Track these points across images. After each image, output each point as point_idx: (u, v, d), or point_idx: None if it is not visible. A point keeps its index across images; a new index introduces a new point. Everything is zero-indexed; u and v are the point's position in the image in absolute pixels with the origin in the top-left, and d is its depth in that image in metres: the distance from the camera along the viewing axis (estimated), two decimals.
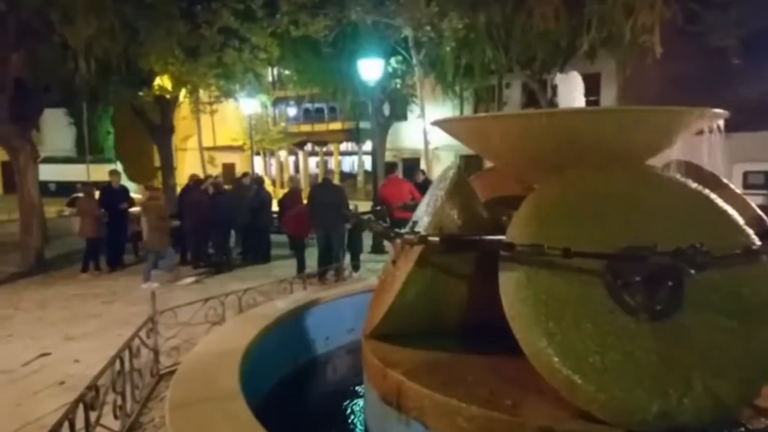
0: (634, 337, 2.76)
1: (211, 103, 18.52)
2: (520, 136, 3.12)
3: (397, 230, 3.38)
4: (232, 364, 3.75)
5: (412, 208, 4.86)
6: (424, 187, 10.75)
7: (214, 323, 5.71)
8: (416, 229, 3.56)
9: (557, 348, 2.70)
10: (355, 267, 10.33)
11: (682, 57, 15.43)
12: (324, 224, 9.64)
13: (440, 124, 3.72)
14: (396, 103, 20.28)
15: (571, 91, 3.77)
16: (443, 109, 21.50)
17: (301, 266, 10.26)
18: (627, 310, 2.80)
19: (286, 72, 20.22)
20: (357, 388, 4.80)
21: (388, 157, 25.76)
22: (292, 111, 38.55)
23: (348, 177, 38.80)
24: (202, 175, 15.14)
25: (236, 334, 4.49)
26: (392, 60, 14.20)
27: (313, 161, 41.33)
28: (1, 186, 38.14)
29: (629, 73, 15.79)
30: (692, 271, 2.74)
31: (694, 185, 3.23)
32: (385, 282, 4.01)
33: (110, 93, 16.78)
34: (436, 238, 3.04)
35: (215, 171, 29.74)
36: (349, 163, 42.65)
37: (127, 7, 11.32)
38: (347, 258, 10.26)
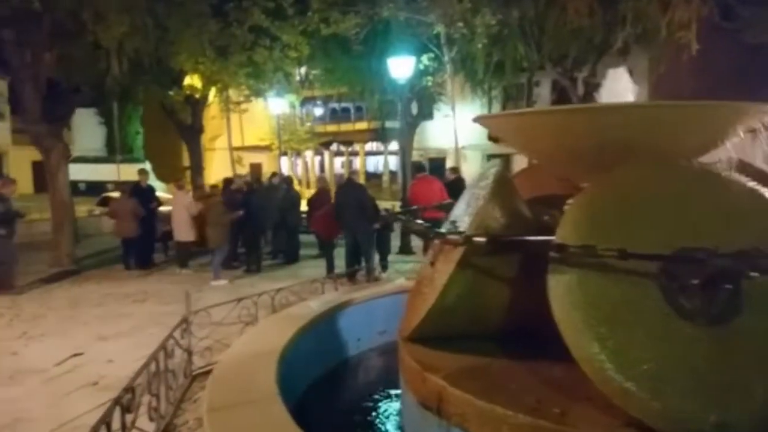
0: (691, 343, 2.62)
1: (239, 103, 18.60)
2: (569, 132, 3.00)
3: (439, 230, 3.27)
4: (269, 366, 3.69)
5: (448, 207, 4.75)
6: (455, 185, 10.59)
7: (247, 323, 5.67)
8: (455, 230, 3.47)
9: (610, 354, 2.58)
10: (384, 267, 10.29)
11: (716, 54, 15.04)
12: (349, 224, 9.61)
13: (482, 120, 3.61)
14: (423, 101, 20.15)
15: (617, 87, 3.63)
16: (472, 107, 21.31)
17: (330, 266, 10.22)
18: (683, 314, 2.67)
19: (315, 71, 20.19)
20: (392, 391, 4.71)
21: (414, 156, 25.68)
22: (318, 111, 38.68)
23: (373, 177, 38.79)
24: (231, 175, 15.19)
25: (271, 335, 4.43)
26: (423, 57, 14.03)
27: (338, 161, 41.46)
28: (32, 185, 38.77)
29: (662, 71, 15.44)
30: (755, 274, 2.60)
31: (750, 183, 3.07)
32: (421, 284, 3.91)
33: (140, 92, 16.96)
34: (483, 239, 2.93)
35: (243, 171, 29.90)
36: (373, 163, 42.58)
37: (158, 5, 11.38)
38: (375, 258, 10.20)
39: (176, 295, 9.00)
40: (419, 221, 3.85)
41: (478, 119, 3.72)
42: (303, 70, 21.38)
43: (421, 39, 13.76)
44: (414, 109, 20.11)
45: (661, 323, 2.65)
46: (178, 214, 11.00)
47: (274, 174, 14.29)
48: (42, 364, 5.89)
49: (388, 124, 33.38)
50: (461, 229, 3.41)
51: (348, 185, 10.17)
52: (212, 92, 16.46)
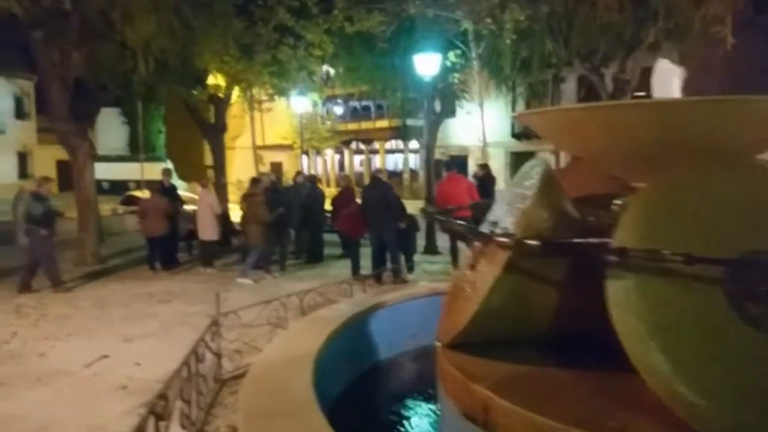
0: (762, 354, 2.45)
1: (260, 102, 18.54)
2: (626, 129, 2.81)
3: (485, 232, 3.11)
4: (304, 372, 3.56)
5: (485, 207, 4.58)
6: (484, 182, 10.41)
7: (276, 326, 5.57)
8: (496, 230, 3.31)
9: (675, 365, 2.40)
10: (410, 268, 10.13)
11: (749, 49, 14.62)
12: (375, 223, 9.47)
13: (525, 117, 3.44)
14: (446, 99, 19.93)
15: (666, 79, 3.44)
16: (496, 104, 21.09)
17: (355, 267, 10.05)
18: (752, 322, 2.49)
19: (336, 70, 19.99)
20: (427, 397, 4.57)
21: (436, 154, 25.48)
22: (339, 109, 38.70)
23: (393, 175, 38.71)
24: (255, 174, 15.14)
25: (302, 339, 4.31)
26: (450, 54, 13.77)
27: (358, 159, 41.45)
28: (56, 184, 39.13)
29: (693, 66, 15.03)
30: None
31: None
32: (461, 287, 3.75)
33: (163, 92, 16.97)
34: (536, 242, 2.76)
35: (264, 169, 29.92)
36: (392, 161, 42.43)
37: (185, 5, 11.34)
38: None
39: (202, 296, 8.94)
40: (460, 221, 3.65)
41: (520, 116, 3.56)
42: (326, 68, 21.28)
43: (447, 36, 13.54)
44: (437, 106, 19.93)
45: (731, 333, 2.47)
46: (202, 213, 10.95)
47: (298, 173, 14.21)
48: (69, 366, 5.82)
49: (410, 121, 33.25)
50: (503, 230, 3.26)
51: (374, 184, 10.03)
52: (235, 91, 16.46)
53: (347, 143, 39.12)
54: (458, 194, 9.35)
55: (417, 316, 5.51)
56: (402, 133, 35.35)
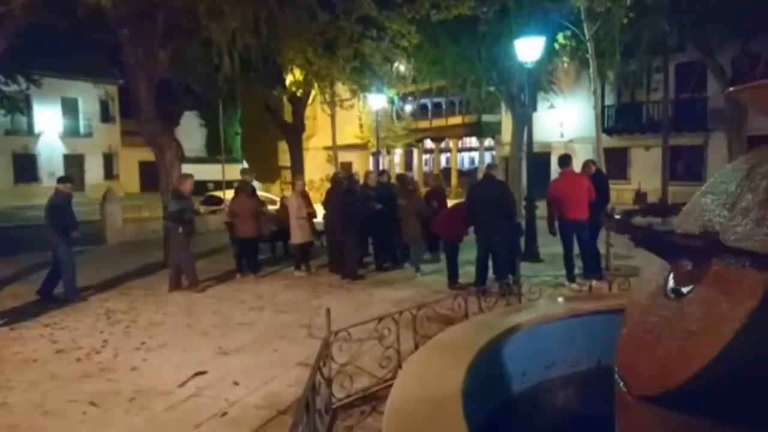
0: None
1: (342, 100, 18.16)
2: None
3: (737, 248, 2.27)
4: (457, 423, 2.84)
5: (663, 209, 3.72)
6: (598, 180, 9.27)
7: (387, 347, 4.91)
8: (721, 240, 2.49)
9: None
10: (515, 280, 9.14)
11: None
12: (486, 227, 8.55)
13: (743, 91, 2.60)
14: (531, 91, 18.82)
15: None
16: (583, 96, 19.78)
17: (453, 274, 9.21)
18: None
19: (418, 64, 19.16)
20: None
21: (507, 151, 24.28)
22: (412, 107, 38.25)
23: (463, 174, 37.91)
24: (332, 173, 14.70)
25: (437, 373, 3.60)
26: (559, 36, 12.61)
27: (425, 158, 40.92)
28: (138, 185, 40.60)
29: None
30: None
31: None
32: (657, 318, 2.93)
33: (241, 93, 16.79)
34: None
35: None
36: (459, 159, 41.51)
37: None
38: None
39: (293, 302, 8.57)
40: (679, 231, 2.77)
41: (736, 91, 2.71)
42: (395, 67, 20.60)
43: (553, 17, 12.46)
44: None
45: None
46: (293, 216, 10.49)
47: (383, 171, 13.61)
48: (164, 385, 5.35)
49: (485, 117, 32.20)
50: (734, 239, 2.44)
51: (487, 182, 8.90)
52: (314, 90, 16.09)
53: (420, 141, 38.48)
54: (576, 193, 8.32)
55: (551, 342, 4.71)
56: (477, 129, 34.34)
